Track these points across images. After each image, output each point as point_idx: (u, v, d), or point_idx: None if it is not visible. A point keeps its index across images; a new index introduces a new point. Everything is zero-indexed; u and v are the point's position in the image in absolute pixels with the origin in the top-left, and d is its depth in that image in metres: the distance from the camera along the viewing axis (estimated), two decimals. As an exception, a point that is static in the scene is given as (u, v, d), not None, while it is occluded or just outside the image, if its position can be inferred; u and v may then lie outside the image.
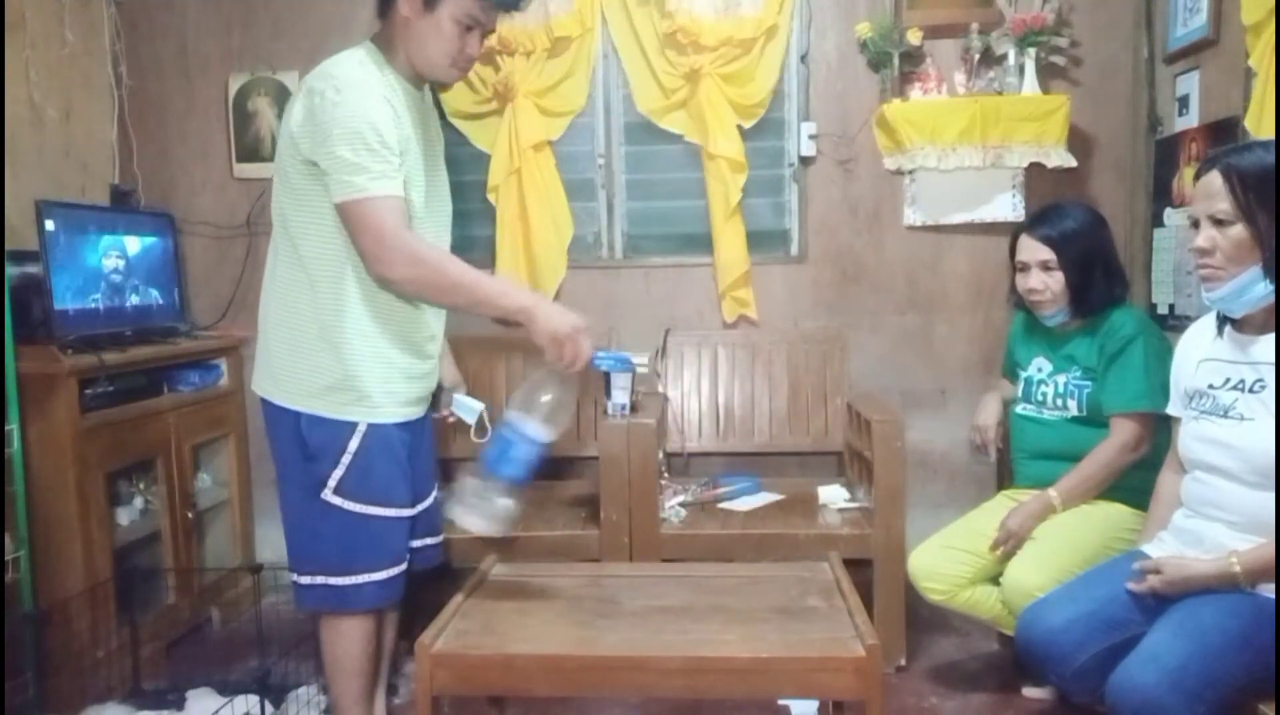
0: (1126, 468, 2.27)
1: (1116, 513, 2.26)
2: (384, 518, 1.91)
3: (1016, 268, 2.44)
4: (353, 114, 1.74)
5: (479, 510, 1.68)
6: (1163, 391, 2.03)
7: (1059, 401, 2.40)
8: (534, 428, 1.67)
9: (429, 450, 2.14)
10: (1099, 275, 2.34)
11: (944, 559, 2.36)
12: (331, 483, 1.87)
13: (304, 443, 1.88)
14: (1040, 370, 2.47)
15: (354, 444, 1.87)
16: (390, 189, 1.75)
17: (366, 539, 1.89)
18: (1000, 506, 2.41)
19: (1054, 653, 1.82)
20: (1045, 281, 2.36)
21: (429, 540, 2.14)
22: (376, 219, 1.74)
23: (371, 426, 1.89)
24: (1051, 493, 2.29)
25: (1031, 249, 2.38)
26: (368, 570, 1.89)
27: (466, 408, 2.05)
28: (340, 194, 1.74)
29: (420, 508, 2.08)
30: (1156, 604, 1.75)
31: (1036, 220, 2.43)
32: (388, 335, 1.89)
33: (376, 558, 1.90)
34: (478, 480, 1.70)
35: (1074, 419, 2.37)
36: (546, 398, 1.68)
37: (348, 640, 1.94)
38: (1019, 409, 2.51)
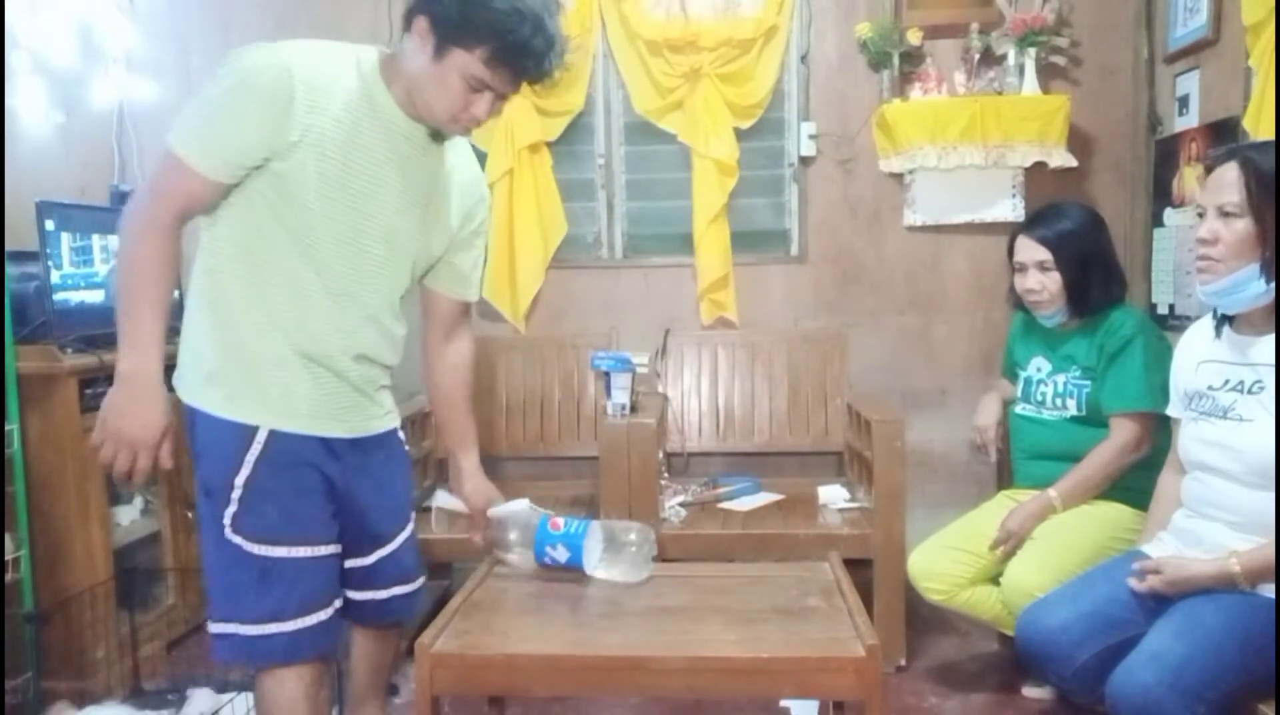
0: (1127, 468, 2.27)
1: (1116, 513, 2.26)
2: (293, 560, 1.60)
3: (1014, 268, 2.44)
4: (253, 77, 1.51)
5: (618, 562, 1.67)
6: (1162, 391, 2.03)
7: (1058, 401, 2.40)
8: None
9: (398, 480, 1.82)
10: (1096, 275, 2.34)
11: (944, 559, 2.36)
12: (226, 519, 1.57)
13: (197, 457, 1.61)
14: (1039, 370, 2.46)
15: (245, 471, 1.57)
16: (198, 164, 1.50)
17: (270, 583, 1.59)
18: (1000, 506, 2.41)
19: (1054, 652, 1.81)
20: (1042, 282, 2.36)
21: (399, 589, 1.80)
22: (161, 173, 1.54)
23: (275, 437, 1.58)
24: (1051, 493, 2.29)
25: (1028, 249, 2.38)
26: (274, 619, 1.59)
27: (514, 518, 1.78)
28: (172, 129, 1.54)
29: (386, 551, 1.78)
30: (1156, 604, 1.75)
31: (1033, 221, 2.43)
32: (283, 336, 1.61)
33: (283, 605, 1.59)
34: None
35: (1073, 419, 2.37)
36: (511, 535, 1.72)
37: (281, 692, 1.63)
38: (1018, 409, 2.51)
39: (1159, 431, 2.20)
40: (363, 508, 1.72)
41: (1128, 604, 1.79)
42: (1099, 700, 1.69)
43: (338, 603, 1.68)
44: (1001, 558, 2.29)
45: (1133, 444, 2.26)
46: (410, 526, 1.84)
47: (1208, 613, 1.64)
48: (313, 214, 1.57)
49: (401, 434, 1.86)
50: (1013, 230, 2.49)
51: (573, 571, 1.67)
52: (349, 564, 1.74)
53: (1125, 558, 1.92)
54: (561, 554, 1.68)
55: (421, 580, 1.86)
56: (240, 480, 1.57)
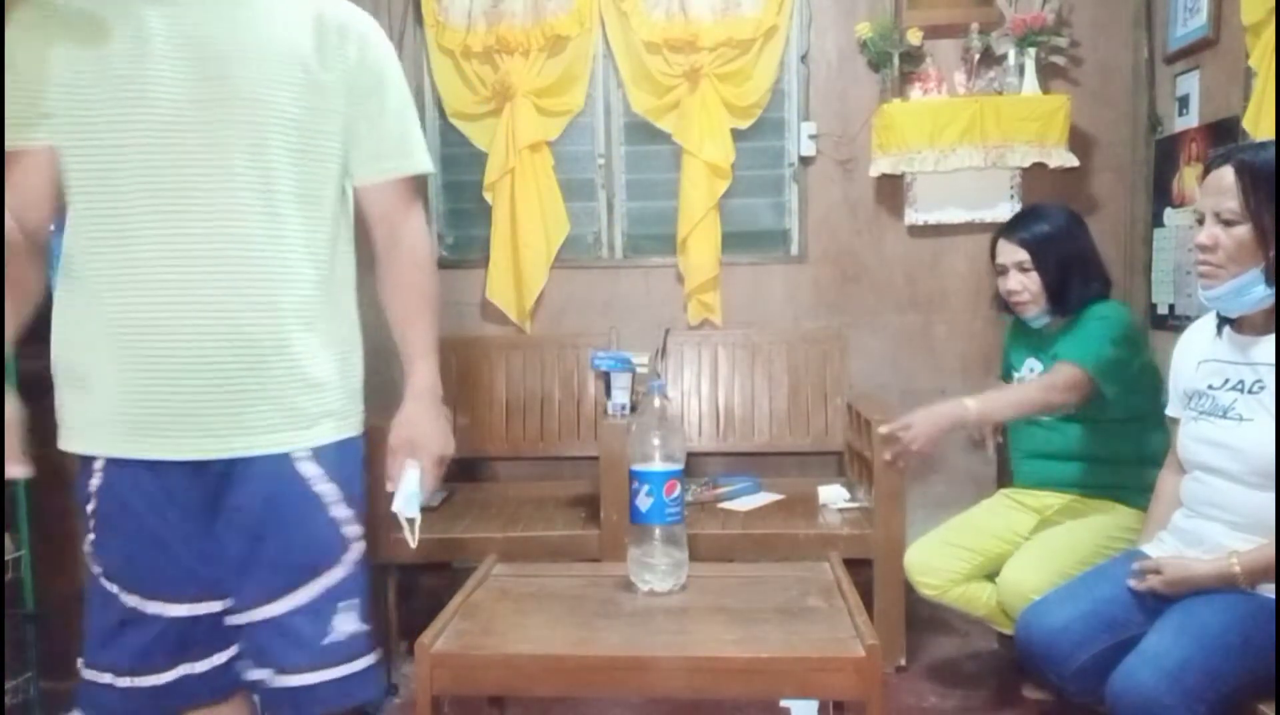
0: (1051, 410, 2.28)
1: (1115, 513, 2.26)
2: (139, 611, 1.35)
3: (996, 271, 2.46)
4: None
5: (661, 568, 1.62)
6: (1111, 368, 2.11)
7: None
8: (657, 465, 1.60)
9: (289, 528, 1.36)
10: (1076, 275, 2.35)
11: (940, 554, 2.36)
12: (87, 545, 1.39)
13: None
14: (1032, 371, 2.46)
15: (92, 503, 1.37)
16: (12, 140, 1.28)
17: (117, 629, 1.36)
18: (999, 505, 2.41)
19: (1054, 653, 1.81)
20: (1023, 282, 2.37)
21: (291, 678, 1.35)
22: None
23: (112, 467, 1.34)
24: (968, 401, 2.25)
25: (1008, 252, 2.40)
26: (110, 670, 1.36)
27: (407, 497, 1.43)
28: None
29: (266, 615, 1.35)
30: (1156, 604, 1.75)
31: (1013, 224, 2.46)
32: (105, 328, 1.32)
33: (117, 658, 1.35)
34: (639, 543, 1.62)
35: (1068, 418, 2.36)
36: (655, 438, 1.61)
37: None
38: None
39: (1157, 430, 2.20)
40: (232, 556, 1.35)
41: (1128, 604, 1.79)
42: (1099, 701, 1.69)
43: (188, 669, 1.38)
44: (889, 459, 2.28)
45: (1060, 385, 2.22)
46: (313, 590, 1.37)
47: (1208, 613, 1.64)
48: (98, 152, 1.27)
49: (311, 466, 1.38)
50: (994, 234, 2.50)
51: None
52: (232, 620, 1.39)
53: (1126, 557, 1.92)
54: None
55: (350, 666, 1.39)
56: (90, 509, 1.36)
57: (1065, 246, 2.36)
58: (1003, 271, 2.42)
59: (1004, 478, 2.70)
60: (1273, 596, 1.63)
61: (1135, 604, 1.78)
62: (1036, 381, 2.33)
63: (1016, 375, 2.52)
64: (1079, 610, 1.82)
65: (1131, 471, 2.26)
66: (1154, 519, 1.98)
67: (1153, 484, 2.03)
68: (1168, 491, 1.95)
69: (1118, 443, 2.31)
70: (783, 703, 2.37)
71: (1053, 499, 2.37)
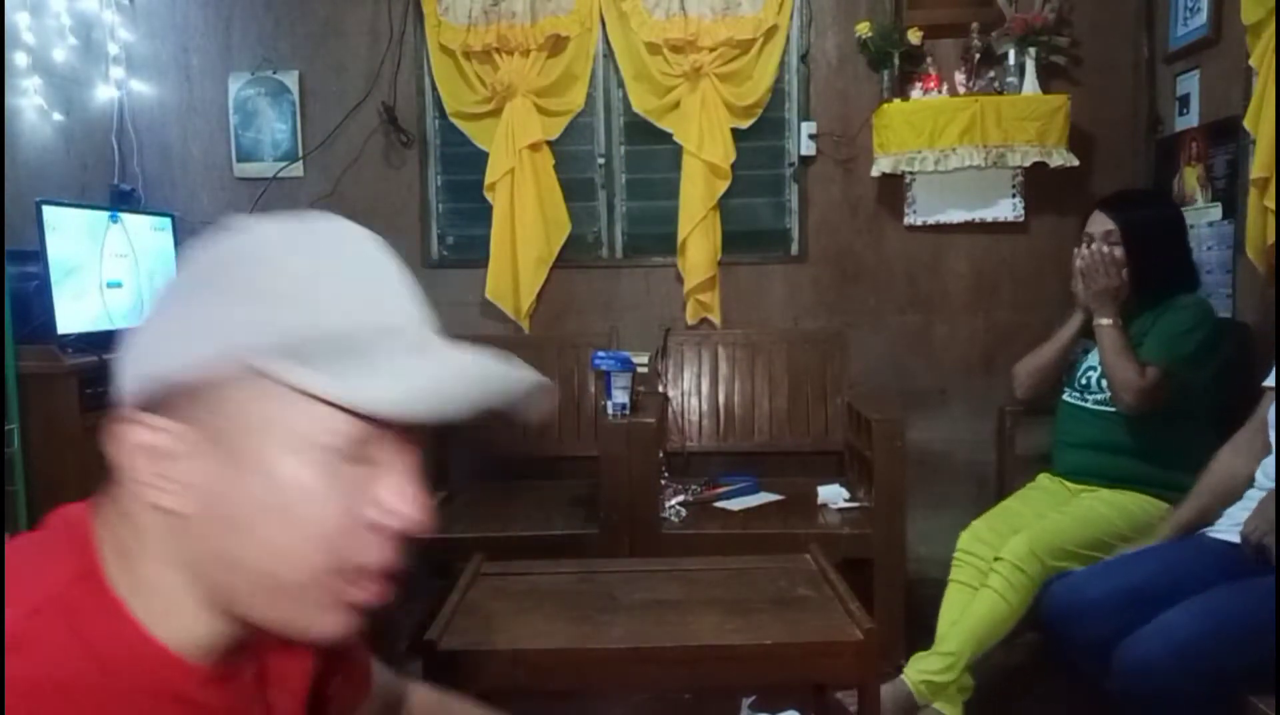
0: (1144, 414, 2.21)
1: (1139, 503, 2.21)
2: None
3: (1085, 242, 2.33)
4: None
5: None
6: (1186, 363, 2.07)
7: (1103, 384, 2.32)
8: None
9: None
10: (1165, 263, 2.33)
11: (984, 537, 2.32)
12: None
13: None
14: (1089, 353, 2.40)
15: None
16: None
17: None
18: (1039, 488, 2.39)
19: (1086, 623, 1.77)
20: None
21: None
22: None
23: None
24: None
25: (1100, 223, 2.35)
26: None
27: None
28: None
29: None
30: (1193, 588, 1.70)
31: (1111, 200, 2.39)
32: None
33: None
34: None
35: (1117, 411, 2.28)
36: None
37: None
38: (1064, 396, 2.45)
39: (1206, 433, 2.14)
40: None
41: (1166, 588, 1.74)
42: (1107, 676, 1.67)
43: None
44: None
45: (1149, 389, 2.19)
46: None
47: (1230, 595, 1.62)
48: None
49: None
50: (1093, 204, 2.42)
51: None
52: None
53: (1182, 542, 1.88)
54: None
55: None
56: None
57: (1160, 234, 2.33)
58: (1089, 242, 2.33)
59: (1005, 477, 2.70)
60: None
61: (1171, 589, 1.74)
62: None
63: (1084, 366, 2.43)
64: (1115, 586, 1.79)
65: (1174, 472, 2.16)
66: (1199, 492, 1.93)
67: (1178, 479, 2.01)
68: (1222, 470, 1.91)
69: (1165, 440, 2.23)
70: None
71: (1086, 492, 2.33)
